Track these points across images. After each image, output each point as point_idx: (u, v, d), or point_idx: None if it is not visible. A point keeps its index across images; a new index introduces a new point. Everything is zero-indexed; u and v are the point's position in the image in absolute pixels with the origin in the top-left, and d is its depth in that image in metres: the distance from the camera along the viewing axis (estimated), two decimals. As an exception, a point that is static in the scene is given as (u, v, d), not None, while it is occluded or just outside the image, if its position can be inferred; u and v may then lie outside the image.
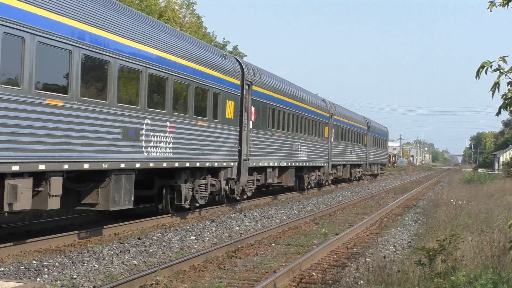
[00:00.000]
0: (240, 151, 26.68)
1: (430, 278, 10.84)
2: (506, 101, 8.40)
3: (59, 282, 12.46)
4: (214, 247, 16.88)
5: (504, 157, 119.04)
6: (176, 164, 20.67)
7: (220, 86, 24.37)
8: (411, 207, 33.54)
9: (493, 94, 8.23)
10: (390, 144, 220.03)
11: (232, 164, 26.00)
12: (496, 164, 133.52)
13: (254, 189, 29.95)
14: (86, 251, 15.65)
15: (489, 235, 15.33)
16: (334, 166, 47.44)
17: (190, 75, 21.61)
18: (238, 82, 26.73)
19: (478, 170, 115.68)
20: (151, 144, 18.93)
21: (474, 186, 44.92)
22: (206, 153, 22.89)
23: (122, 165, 17.41)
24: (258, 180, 30.19)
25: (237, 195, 27.17)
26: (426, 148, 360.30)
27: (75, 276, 12.99)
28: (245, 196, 28.66)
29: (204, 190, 23.76)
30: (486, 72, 8.19)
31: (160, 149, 19.49)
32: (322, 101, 46.02)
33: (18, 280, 11.59)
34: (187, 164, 21.48)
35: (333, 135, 46.44)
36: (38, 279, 12.56)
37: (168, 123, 20.03)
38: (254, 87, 28.50)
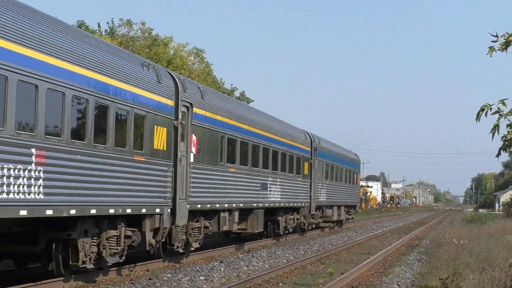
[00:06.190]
0: None
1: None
2: (506, 142, 8.64)
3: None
4: (223, 287, 17.21)
5: (504, 197, 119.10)
6: None
7: None
8: (414, 246, 33.86)
9: (493, 136, 8.38)
10: (393, 185, 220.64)
11: None
12: (497, 204, 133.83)
13: None
14: (99, 292, 15.93)
15: (490, 274, 15.58)
16: (200, 213, 23.22)
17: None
18: None
19: (479, 210, 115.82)
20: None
21: (476, 226, 45.21)
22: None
23: None
24: None
25: None
26: (428, 189, 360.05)
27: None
28: None
29: None
30: (486, 115, 8.33)
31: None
32: (148, 69, 19.34)
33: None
34: None
35: (194, 150, 21.83)
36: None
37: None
38: None
